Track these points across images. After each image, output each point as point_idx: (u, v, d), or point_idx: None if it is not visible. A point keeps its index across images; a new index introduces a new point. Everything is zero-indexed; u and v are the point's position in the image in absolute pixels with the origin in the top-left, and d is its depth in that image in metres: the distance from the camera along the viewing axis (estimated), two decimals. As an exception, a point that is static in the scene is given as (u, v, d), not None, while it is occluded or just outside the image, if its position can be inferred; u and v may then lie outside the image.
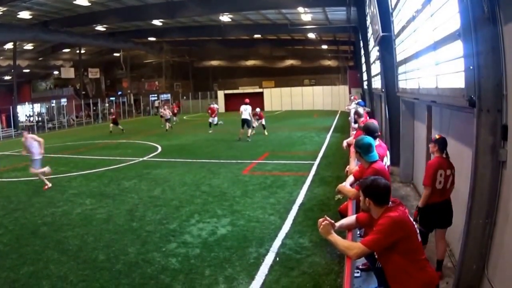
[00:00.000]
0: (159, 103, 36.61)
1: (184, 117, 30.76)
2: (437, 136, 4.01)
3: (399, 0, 6.72)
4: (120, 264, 4.49)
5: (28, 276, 4.29)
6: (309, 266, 4.25)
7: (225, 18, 25.14)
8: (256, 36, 33.92)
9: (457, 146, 4.31)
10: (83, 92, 35.44)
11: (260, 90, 37.95)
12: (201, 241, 5.10)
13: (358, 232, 3.90)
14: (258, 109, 17.09)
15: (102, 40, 30.33)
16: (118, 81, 42.75)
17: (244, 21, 27.03)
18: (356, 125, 7.04)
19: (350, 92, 25.82)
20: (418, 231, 2.41)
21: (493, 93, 2.83)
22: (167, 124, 20.34)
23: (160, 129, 21.03)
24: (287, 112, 32.73)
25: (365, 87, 19.62)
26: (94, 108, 34.92)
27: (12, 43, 26.88)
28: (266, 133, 16.45)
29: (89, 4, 20.34)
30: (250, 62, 42.98)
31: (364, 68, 19.96)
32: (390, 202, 2.42)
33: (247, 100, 15.78)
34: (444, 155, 3.89)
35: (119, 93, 40.67)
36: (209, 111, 19.43)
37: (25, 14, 21.05)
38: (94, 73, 38.36)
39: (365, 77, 19.53)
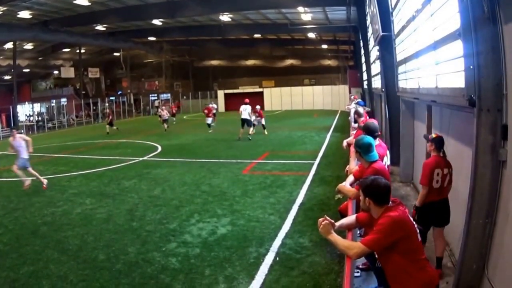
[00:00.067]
0: (159, 102, 36.61)
1: (184, 117, 30.78)
2: (433, 135, 4.02)
3: (399, -1, 6.72)
4: (120, 264, 4.49)
5: (28, 275, 4.29)
6: (309, 266, 4.24)
7: (225, 17, 25.12)
8: (256, 35, 33.91)
9: (457, 146, 4.31)
10: (83, 92, 35.47)
11: (260, 89, 37.96)
12: (201, 241, 5.10)
13: (358, 232, 3.90)
14: (258, 107, 17.13)
15: (102, 39, 30.33)
16: (118, 81, 42.76)
17: (244, 20, 27.02)
18: (356, 125, 7.03)
19: (350, 92, 25.79)
20: (418, 231, 2.41)
21: (493, 92, 2.82)
22: (165, 125, 20.34)
23: (160, 129, 21.03)
24: (287, 112, 32.73)
25: (365, 86, 19.61)
26: (94, 107, 34.92)
27: (12, 42, 26.88)
28: (266, 132, 16.45)
29: (89, 3, 20.33)
30: (250, 62, 42.97)
31: (364, 67, 19.95)
32: (390, 202, 2.42)
33: (247, 100, 15.86)
34: (441, 154, 3.89)
35: (119, 92, 40.67)
36: (205, 111, 19.35)
37: (25, 14, 21.04)
38: (94, 72, 38.36)
39: (365, 76, 19.53)
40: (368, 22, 13.51)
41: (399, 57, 7.30)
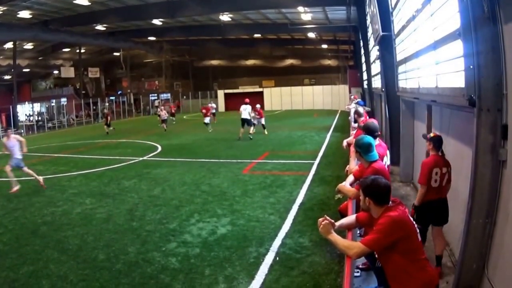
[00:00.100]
0: (159, 102, 36.61)
1: (184, 117, 30.78)
2: (432, 134, 4.02)
3: (399, -1, 6.72)
4: (120, 264, 4.49)
5: (28, 275, 4.28)
6: (309, 266, 4.24)
7: (225, 17, 25.13)
8: (256, 35, 33.92)
9: (457, 146, 4.31)
10: (83, 92, 35.46)
11: (260, 89, 37.97)
12: (201, 241, 5.10)
13: (358, 232, 3.90)
14: (258, 106, 17.16)
15: (102, 39, 30.34)
16: (118, 81, 42.75)
17: (244, 20, 27.02)
18: (356, 125, 7.03)
19: (350, 92, 25.81)
20: (418, 231, 2.41)
21: (493, 92, 2.83)
22: (163, 125, 20.34)
23: (160, 128, 21.03)
24: (287, 112, 32.73)
25: (365, 86, 19.62)
26: (94, 107, 34.92)
27: (12, 42, 26.89)
28: (266, 132, 16.46)
29: (89, 3, 20.35)
30: (250, 62, 42.97)
31: (364, 67, 19.95)
32: (390, 202, 2.42)
33: (247, 100, 15.93)
34: (440, 153, 3.89)
35: (119, 92, 40.66)
36: (203, 110, 19.33)
37: (25, 14, 21.05)
38: (94, 72, 38.36)
39: (365, 76, 19.53)
40: (368, 22, 13.52)
41: (399, 57, 7.30)
